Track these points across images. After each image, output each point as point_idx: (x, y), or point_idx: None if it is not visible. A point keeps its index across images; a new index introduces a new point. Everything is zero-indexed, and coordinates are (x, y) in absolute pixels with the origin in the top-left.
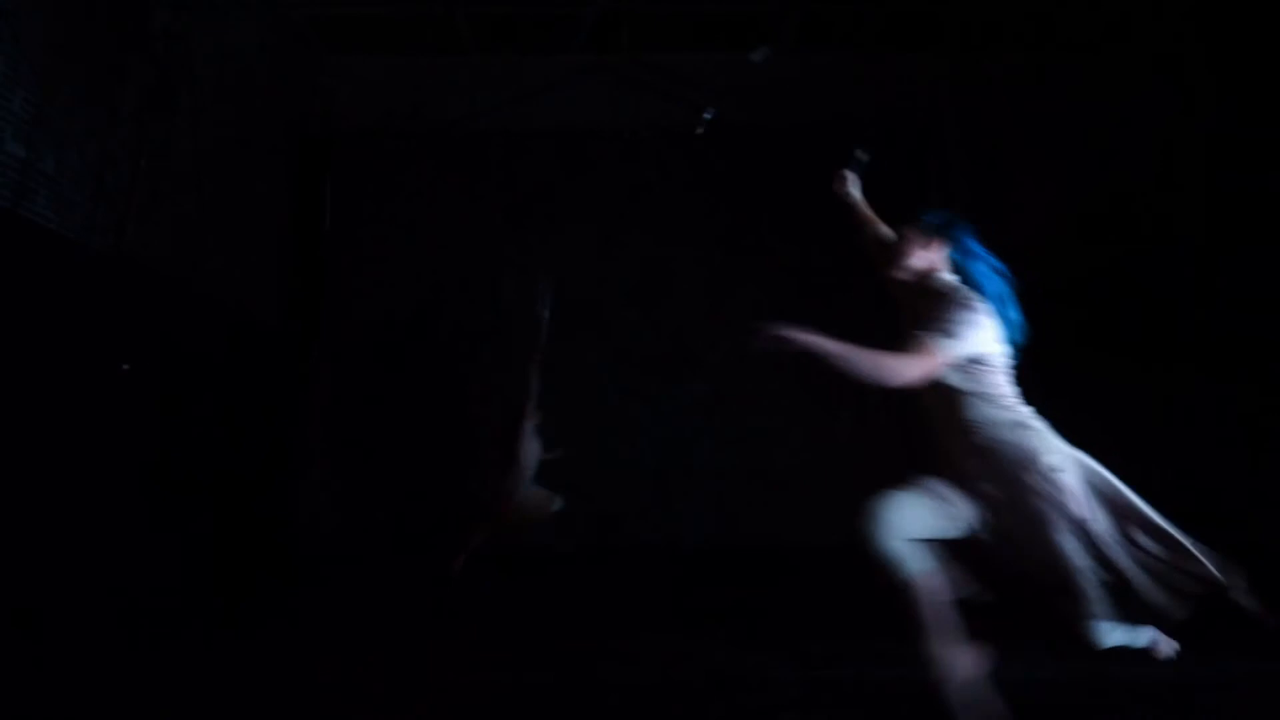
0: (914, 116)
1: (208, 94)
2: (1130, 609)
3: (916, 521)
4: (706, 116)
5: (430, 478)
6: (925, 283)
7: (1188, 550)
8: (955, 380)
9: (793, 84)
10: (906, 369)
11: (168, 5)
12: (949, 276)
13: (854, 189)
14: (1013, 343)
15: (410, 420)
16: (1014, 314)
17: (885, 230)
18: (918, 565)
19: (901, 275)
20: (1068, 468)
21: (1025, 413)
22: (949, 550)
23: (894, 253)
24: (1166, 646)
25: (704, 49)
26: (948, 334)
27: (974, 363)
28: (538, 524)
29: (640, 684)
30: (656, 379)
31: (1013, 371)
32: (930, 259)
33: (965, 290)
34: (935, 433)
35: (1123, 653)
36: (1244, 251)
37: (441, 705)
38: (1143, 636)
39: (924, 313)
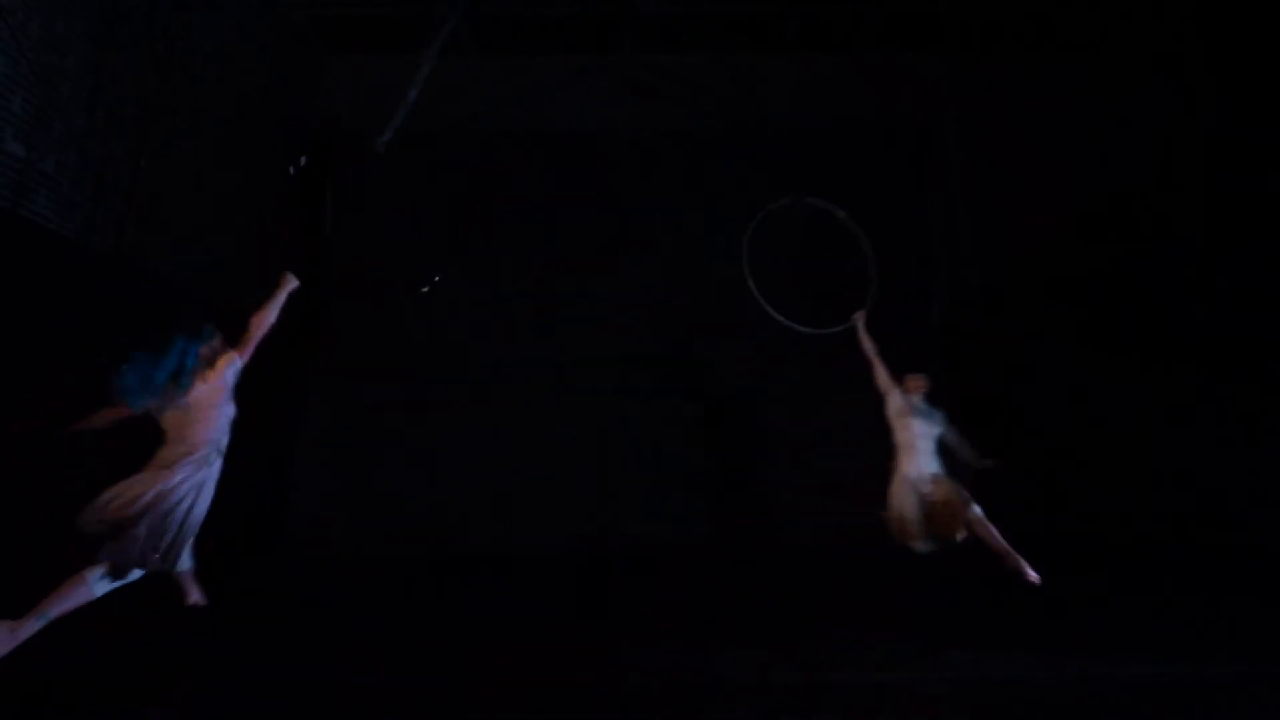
0: (914, 116)
1: (208, 94)
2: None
3: None
4: (301, 162)
5: (431, 477)
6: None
7: None
8: None
9: (793, 85)
10: None
11: (168, 5)
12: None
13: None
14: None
15: (411, 420)
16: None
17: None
18: None
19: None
20: None
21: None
22: None
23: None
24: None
25: (704, 50)
26: None
27: None
28: (959, 520)
29: (641, 684)
30: (655, 379)
31: None
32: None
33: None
34: None
35: (1122, 653)
36: (1244, 251)
37: (438, 706)
38: None
39: None
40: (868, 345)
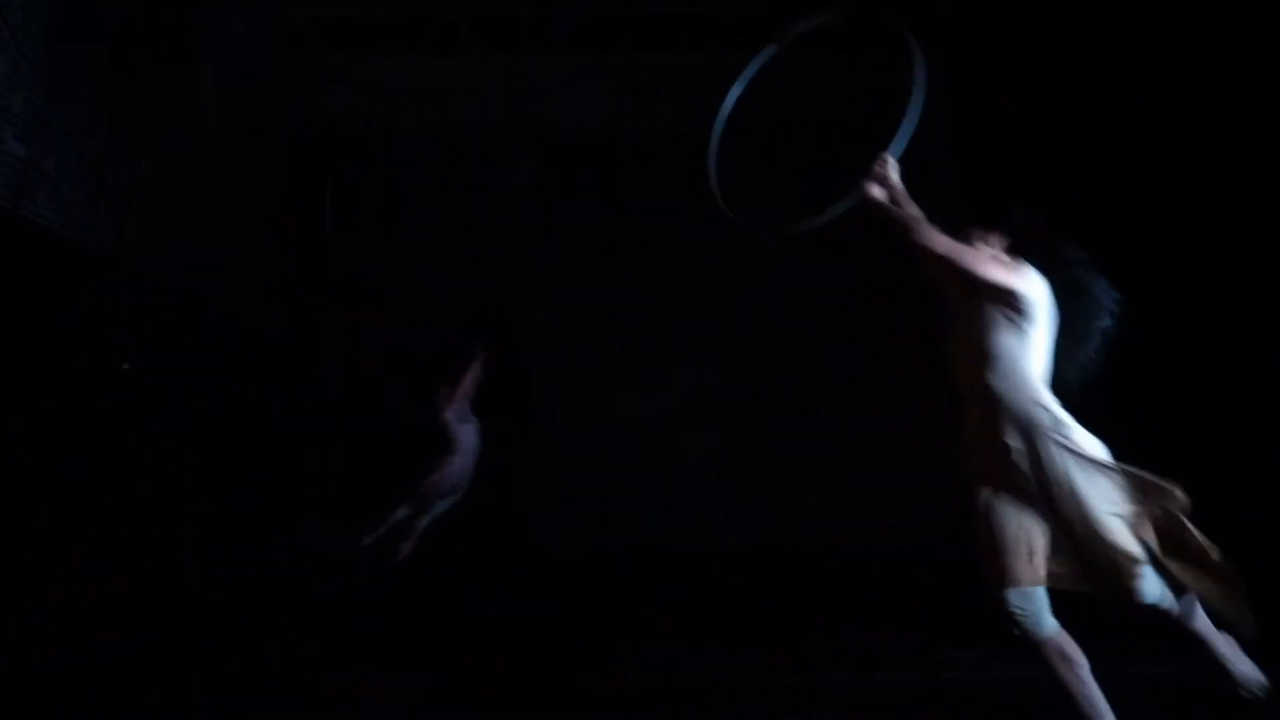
0: None
1: (208, 94)
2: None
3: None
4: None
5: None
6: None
7: None
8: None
9: (792, 85)
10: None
11: (168, 5)
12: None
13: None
14: None
15: (411, 421)
16: None
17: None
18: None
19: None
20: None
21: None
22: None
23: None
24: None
25: (704, 50)
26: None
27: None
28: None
29: (641, 684)
30: (659, 378)
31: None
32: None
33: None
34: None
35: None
36: (1244, 251)
37: (438, 706)
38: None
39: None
40: (900, 196)
